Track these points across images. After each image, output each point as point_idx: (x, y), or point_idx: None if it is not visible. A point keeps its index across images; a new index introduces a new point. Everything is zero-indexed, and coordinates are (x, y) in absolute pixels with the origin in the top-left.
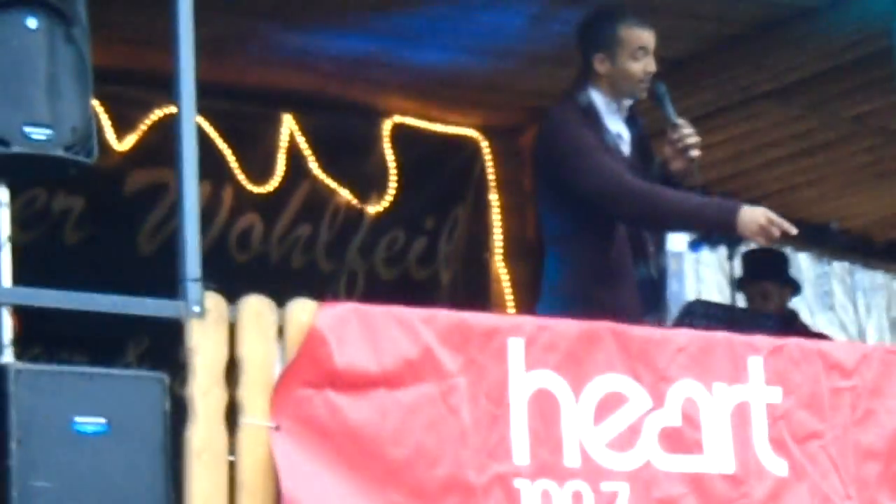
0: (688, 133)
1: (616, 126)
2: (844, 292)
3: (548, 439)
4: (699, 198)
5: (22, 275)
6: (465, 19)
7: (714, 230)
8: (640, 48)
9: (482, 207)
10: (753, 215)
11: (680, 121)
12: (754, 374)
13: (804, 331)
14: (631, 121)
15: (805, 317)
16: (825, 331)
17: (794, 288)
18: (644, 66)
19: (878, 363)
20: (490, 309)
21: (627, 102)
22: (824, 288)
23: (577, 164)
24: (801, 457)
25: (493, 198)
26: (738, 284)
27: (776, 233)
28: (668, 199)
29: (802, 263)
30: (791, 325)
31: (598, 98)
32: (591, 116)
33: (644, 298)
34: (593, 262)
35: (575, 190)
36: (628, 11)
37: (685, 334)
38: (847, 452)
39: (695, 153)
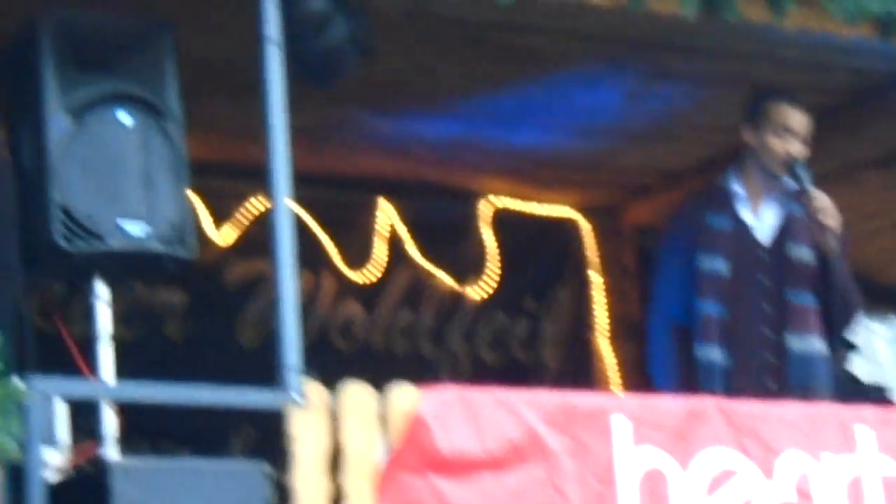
0: (817, 198)
1: (751, 211)
2: None
3: None
4: (668, 372)
5: (125, 371)
6: (560, 99)
7: None
8: (784, 126)
9: (583, 288)
10: None
11: (811, 188)
12: (864, 444)
13: None
14: (788, 202)
15: None
16: None
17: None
18: (786, 145)
19: None
20: (595, 389)
21: (777, 184)
22: None
23: (655, 273)
24: None
25: (594, 277)
26: None
27: None
28: (655, 355)
29: None
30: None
31: (737, 183)
32: (723, 202)
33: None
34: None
35: None
36: (787, 91)
37: (791, 406)
38: None
39: (828, 221)
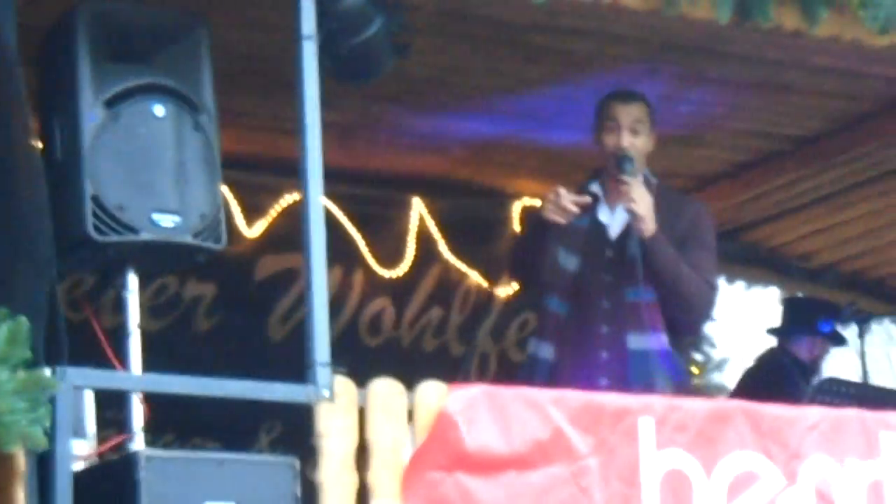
0: (626, 188)
1: (605, 212)
2: None
3: None
4: None
5: (152, 362)
6: (594, 100)
7: None
8: (609, 120)
9: None
10: None
11: (626, 177)
12: (887, 450)
13: None
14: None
15: None
16: None
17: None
18: (614, 138)
19: None
20: None
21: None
22: None
23: None
24: None
25: None
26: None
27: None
28: None
29: None
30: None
31: (595, 184)
32: (590, 204)
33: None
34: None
35: None
36: (620, 90)
37: (816, 412)
38: None
39: (631, 206)
